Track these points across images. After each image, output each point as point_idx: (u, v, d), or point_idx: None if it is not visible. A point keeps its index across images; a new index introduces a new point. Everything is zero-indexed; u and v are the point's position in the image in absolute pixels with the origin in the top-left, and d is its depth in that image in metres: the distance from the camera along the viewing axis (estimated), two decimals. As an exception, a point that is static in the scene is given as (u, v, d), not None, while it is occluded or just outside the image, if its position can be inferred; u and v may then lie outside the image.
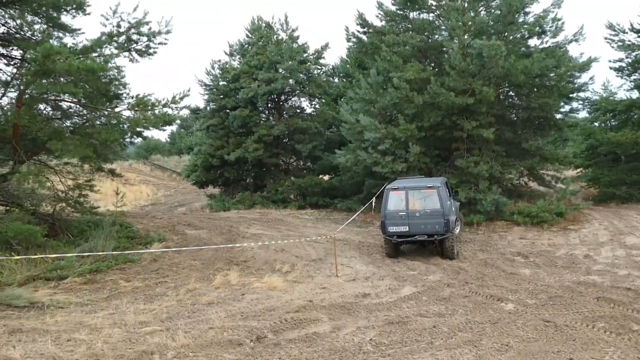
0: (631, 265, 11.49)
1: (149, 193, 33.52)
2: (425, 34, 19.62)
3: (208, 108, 26.29)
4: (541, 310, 8.36)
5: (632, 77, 22.84)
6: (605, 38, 22.22)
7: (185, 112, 28.37)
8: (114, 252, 12.22)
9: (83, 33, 16.35)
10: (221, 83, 25.53)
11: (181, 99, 14.65)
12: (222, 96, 25.18)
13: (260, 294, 9.74)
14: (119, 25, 14.18)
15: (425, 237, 12.54)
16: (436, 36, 20.00)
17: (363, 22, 20.80)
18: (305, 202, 23.45)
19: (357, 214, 17.40)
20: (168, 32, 14.78)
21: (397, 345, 6.88)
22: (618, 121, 23.13)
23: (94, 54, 13.79)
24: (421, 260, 12.59)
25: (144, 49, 14.93)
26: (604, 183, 21.79)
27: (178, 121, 46.76)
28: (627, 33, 21.90)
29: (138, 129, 15.21)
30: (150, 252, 13.11)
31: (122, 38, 14.36)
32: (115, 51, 14.33)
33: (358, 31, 21.23)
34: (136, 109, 14.31)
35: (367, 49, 21.03)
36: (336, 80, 28.07)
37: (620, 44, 21.97)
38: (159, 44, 14.92)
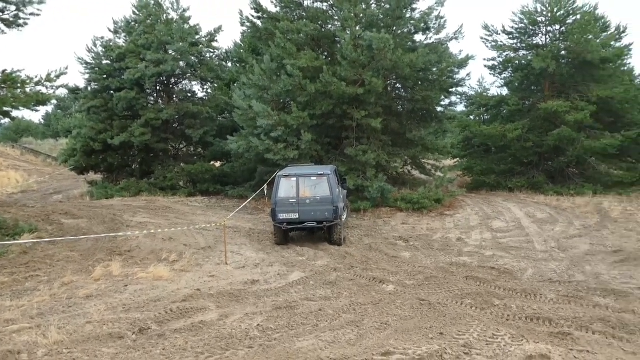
0: (496, 247, 12.75)
1: (19, 179, 30.42)
2: (319, 22, 19.92)
3: (89, 88, 24.37)
4: (418, 290, 9.00)
5: (503, 75, 25.20)
6: (481, 38, 24.24)
7: (62, 92, 26.24)
8: (-26, 245, 10.99)
9: None
10: (104, 62, 23.81)
11: (57, 77, 13.55)
12: (105, 76, 23.50)
13: (144, 284, 9.36)
14: (-21, -8, 12.66)
15: (315, 224, 12.66)
16: (329, 26, 20.41)
17: (258, 7, 20.58)
18: (196, 189, 22.85)
19: (248, 200, 17.34)
20: (41, 2, 13.45)
21: (283, 329, 7.02)
22: (490, 115, 25.35)
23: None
24: (310, 246, 12.88)
25: (12, 20, 13.50)
26: (477, 172, 23.85)
27: (54, 101, 43.06)
28: (499, 34, 24.09)
29: (5, 109, 13.74)
30: (20, 243, 11.96)
31: (-16, 6, 12.84)
32: (-24, 20, 12.80)
33: (252, 16, 20.99)
34: (3, 86, 12.94)
35: (261, 34, 20.87)
36: (229, 64, 27.47)
37: (493, 44, 24.08)
38: (30, 14, 13.57)
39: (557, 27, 22.67)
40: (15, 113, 15.29)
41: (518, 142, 22.03)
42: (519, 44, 24.08)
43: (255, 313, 7.72)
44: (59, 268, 10.54)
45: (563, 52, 22.13)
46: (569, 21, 22.29)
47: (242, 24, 21.67)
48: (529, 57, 22.76)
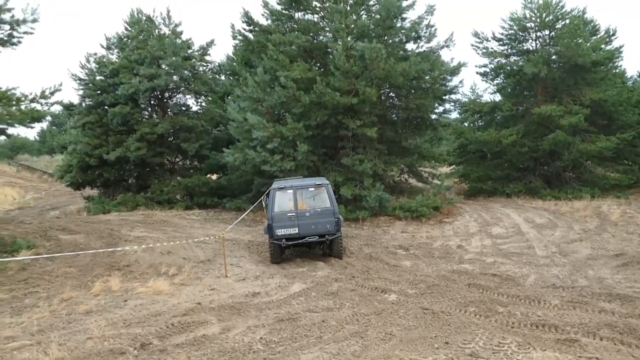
0: (497, 253, 12.74)
1: (15, 196, 30.24)
2: (311, 34, 20.03)
3: (84, 104, 24.31)
4: (420, 299, 8.95)
5: (495, 82, 25.37)
6: (472, 45, 24.43)
7: (57, 109, 26.16)
8: (-29, 264, 10.87)
9: None
10: (98, 78, 23.79)
11: (52, 93, 13.47)
12: (99, 92, 23.49)
13: (144, 299, 9.27)
14: (-26, 12, 12.63)
15: (316, 237, 11.87)
16: (321, 37, 20.51)
17: (249, 20, 20.69)
18: (193, 202, 22.77)
19: (246, 213, 17.27)
20: (35, 20, 13.41)
21: (287, 342, 6.95)
22: (484, 122, 25.48)
23: (-57, 41, 12.17)
24: (310, 256, 12.81)
25: (6, 38, 13.44)
26: (473, 178, 23.91)
27: (49, 118, 42.88)
28: (490, 41, 24.28)
29: (0, 126, 13.67)
30: (18, 260, 11.84)
31: (-21, 25, 12.80)
32: (-29, 39, 12.75)
33: (244, 29, 21.10)
34: (-3, 103, 12.84)
35: (253, 47, 20.95)
36: (223, 77, 27.52)
37: (484, 50, 24.26)
38: (24, 33, 13.51)
39: (547, 32, 22.87)
40: (10, 130, 15.15)
41: (513, 148, 22.11)
42: (509, 50, 24.28)
43: (258, 326, 7.65)
44: (57, 284, 10.43)
45: (554, 57, 22.32)
46: (558, 26, 22.51)
47: (234, 37, 21.79)
48: (520, 63, 22.96)
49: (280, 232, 11.80)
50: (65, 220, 18.87)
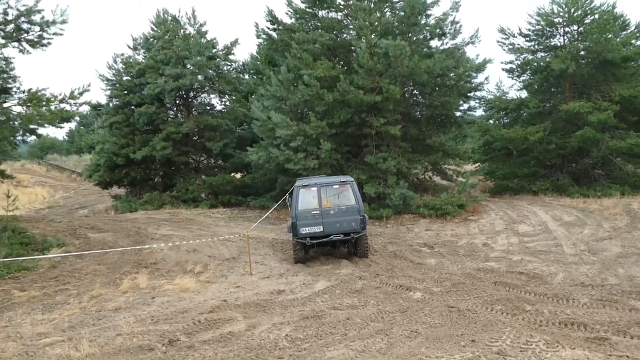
0: (523, 251, 12.54)
1: (45, 195, 31.05)
2: (334, 32, 20.03)
3: (111, 104, 24.87)
4: (446, 297, 8.87)
5: (522, 78, 24.97)
6: (498, 41, 24.07)
7: (85, 109, 26.75)
8: (5, 260, 11.17)
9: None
10: (125, 78, 24.28)
11: (80, 94, 13.77)
12: (126, 92, 23.96)
13: (171, 296, 9.40)
14: (5, 13, 13.03)
15: (341, 236, 11.51)
16: (344, 35, 20.49)
17: (273, 19, 20.78)
18: (217, 200, 23.01)
19: (270, 211, 17.38)
20: (64, 22, 13.76)
21: (312, 339, 6.97)
22: (510, 119, 25.12)
23: (-23, 44, 12.57)
24: (333, 254, 12.81)
25: (36, 40, 13.81)
26: (499, 176, 23.59)
27: (77, 118, 43.86)
28: (516, 37, 23.87)
29: (31, 126, 14.05)
30: (49, 257, 12.16)
31: (10, 27, 13.19)
32: (2, 41, 13.15)
33: (268, 28, 21.21)
34: (29, 104, 13.23)
35: (277, 46, 21.03)
36: (246, 77, 27.76)
37: (510, 47, 23.88)
38: (53, 34, 13.87)
39: (575, 27, 22.41)
40: (40, 130, 15.58)
41: (540, 145, 21.72)
42: (536, 46, 23.86)
43: (283, 323, 7.69)
44: (87, 281, 10.67)
45: (582, 52, 21.84)
46: (587, 21, 22.00)
47: (258, 36, 21.91)
48: (548, 59, 22.52)
49: (304, 230, 11.45)
50: (94, 219, 19.29)
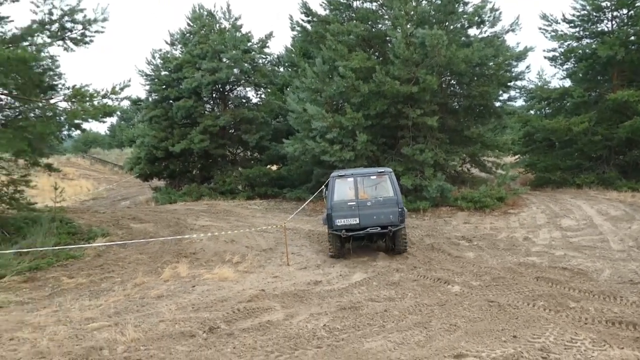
0: (567, 246, 12.15)
1: (90, 187, 32.16)
2: (369, 23, 19.84)
3: (150, 99, 25.47)
4: (485, 291, 8.70)
5: (565, 66, 24.10)
6: (540, 28, 23.29)
7: (125, 104, 27.42)
8: (54, 249, 11.65)
9: (12, 21, 15.42)
10: (163, 73, 24.79)
11: (122, 89, 14.12)
12: (164, 86, 24.47)
13: (211, 285, 9.59)
14: (50, 13, 13.43)
15: (378, 229, 11.06)
16: (380, 25, 20.27)
17: (307, 10, 20.75)
18: (254, 192, 23.28)
19: (306, 202, 17.44)
20: (105, 19, 14.16)
21: (350, 329, 6.97)
22: (552, 109, 24.28)
23: (25, 43, 13.04)
24: (370, 246, 12.74)
25: (79, 38, 14.22)
26: (540, 168, 22.90)
27: (118, 113, 45.09)
28: (559, 23, 23.02)
29: (76, 121, 14.51)
30: (94, 246, 12.61)
31: (55, 26, 13.61)
32: (48, 40, 13.60)
33: (302, 20, 21.21)
34: (73, 100, 13.65)
35: (311, 37, 21.02)
36: (282, 69, 27.88)
37: (553, 34, 23.05)
38: (95, 32, 14.27)
39: (625, 11, 21.39)
40: (84, 125, 16.11)
41: (585, 136, 20.95)
42: (581, 32, 22.93)
43: (320, 313, 7.71)
44: (130, 270, 11.00)
45: (632, 38, 20.82)
46: (638, 4, 20.95)
47: (293, 29, 21.95)
48: (594, 46, 21.60)
49: (339, 222, 11.07)
50: (135, 210, 19.85)
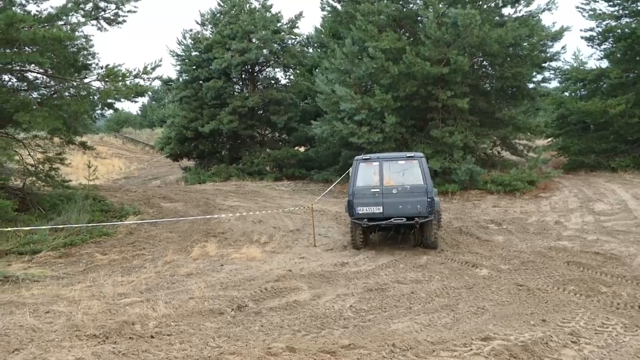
0: (599, 230, 11.89)
1: (122, 166, 32.92)
2: (400, 2, 19.46)
3: (180, 79, 25.75)
4: (514, 274, 8.61)
5: (603, 47, 23.17)
6: (577, 7, 22.40)
7: (157, 84, 27.84)
8: (88, 225, 12.01)
9: (47, 0, 15.71)
10: (193, 53, 24.98)
11: (153, 69, 14.30)
12: (194, 67, 24.67)
13: (239, 264, 9.75)
14: (84, -8, 13.62)
15: (404, 219, 10.05)
16: (411, 5, 19.86)
17: (338, -10, 20.49)
18: (282, 173, 23.44)
19: (333, 184, 17.47)
20: (137, -1, 14.30)
21: (376, 310, 7.01)
22: (588, 90, 23.46)
23: (60, 22, 13.28)
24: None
25: (112, 17, 14.41)
26: (574, 152, 22.26)
27: (149, 93, 45.78)
28: (598, 2, 22.10)
29: (109, 100, 14.84)
30: (126, 224, 12.95)
31: (89, 5, 13.80)
32: (82, 19, 13.81)
33: (332, 0, 20.93)
34: (106, 79, 13.90)
35: (341, 18, 20.78)
36: (311, 50, 27.73)
37: (591, 12, 22.16)
38: (128, 12, 14.41)
39: (668, -12, 20.43)
40: (116, 105, 16.43)
41: (622, 118, 20.21)
42: (621, 11, 21.96)
43: (347, 294, 7.78)
44: (161, 247, 11.28)
45: (676, 16, 19.93)
46: (682, -19, 19.99)
47: (323, 9, 21.77)
48: (633, 25, 20.68)
49: (361, 210, 10.13)
50: (166, 189, 20.26)
